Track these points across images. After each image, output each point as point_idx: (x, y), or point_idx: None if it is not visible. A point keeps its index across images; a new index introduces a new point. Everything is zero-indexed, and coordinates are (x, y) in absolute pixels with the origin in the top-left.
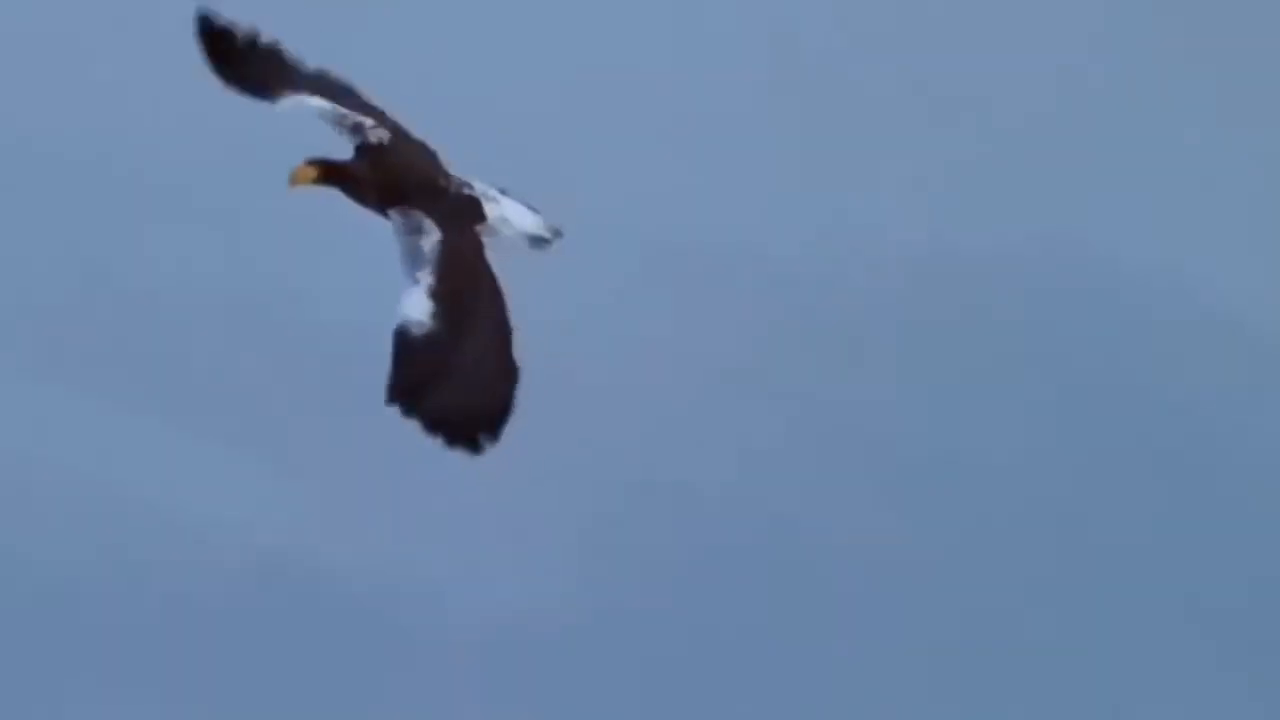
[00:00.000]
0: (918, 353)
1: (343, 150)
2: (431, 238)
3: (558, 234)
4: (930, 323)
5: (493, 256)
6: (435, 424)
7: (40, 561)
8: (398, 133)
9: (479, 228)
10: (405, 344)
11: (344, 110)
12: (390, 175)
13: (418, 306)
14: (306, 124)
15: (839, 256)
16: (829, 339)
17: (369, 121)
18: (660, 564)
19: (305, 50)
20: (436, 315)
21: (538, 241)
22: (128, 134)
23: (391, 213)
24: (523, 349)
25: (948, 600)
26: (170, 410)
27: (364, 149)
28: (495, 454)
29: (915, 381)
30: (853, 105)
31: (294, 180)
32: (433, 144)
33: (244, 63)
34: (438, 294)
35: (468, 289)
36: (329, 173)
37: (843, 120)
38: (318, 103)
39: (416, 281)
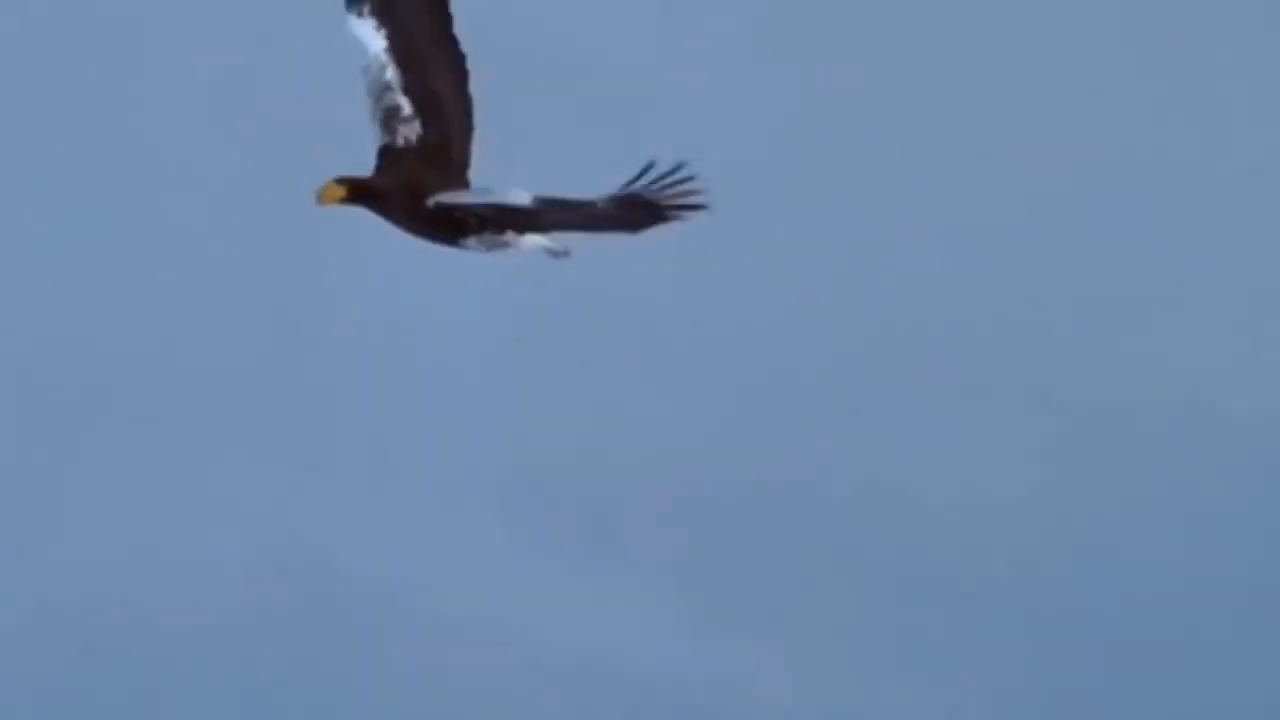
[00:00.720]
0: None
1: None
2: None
3: (566, 253)
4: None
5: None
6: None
7: None
8: (430, 122)
9: (505, 236)
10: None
11: (389, 79)
12: (414, 189)
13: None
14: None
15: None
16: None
17: (405, 108)
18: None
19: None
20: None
21: (553, 254)
22: None
23: (469, 242)
24: None
25: None
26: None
27: (386, 153)
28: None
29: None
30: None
31: (322, 198)
32: (464, 125)
33: None
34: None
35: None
36: (356, 191)
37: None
38: (374, 48)
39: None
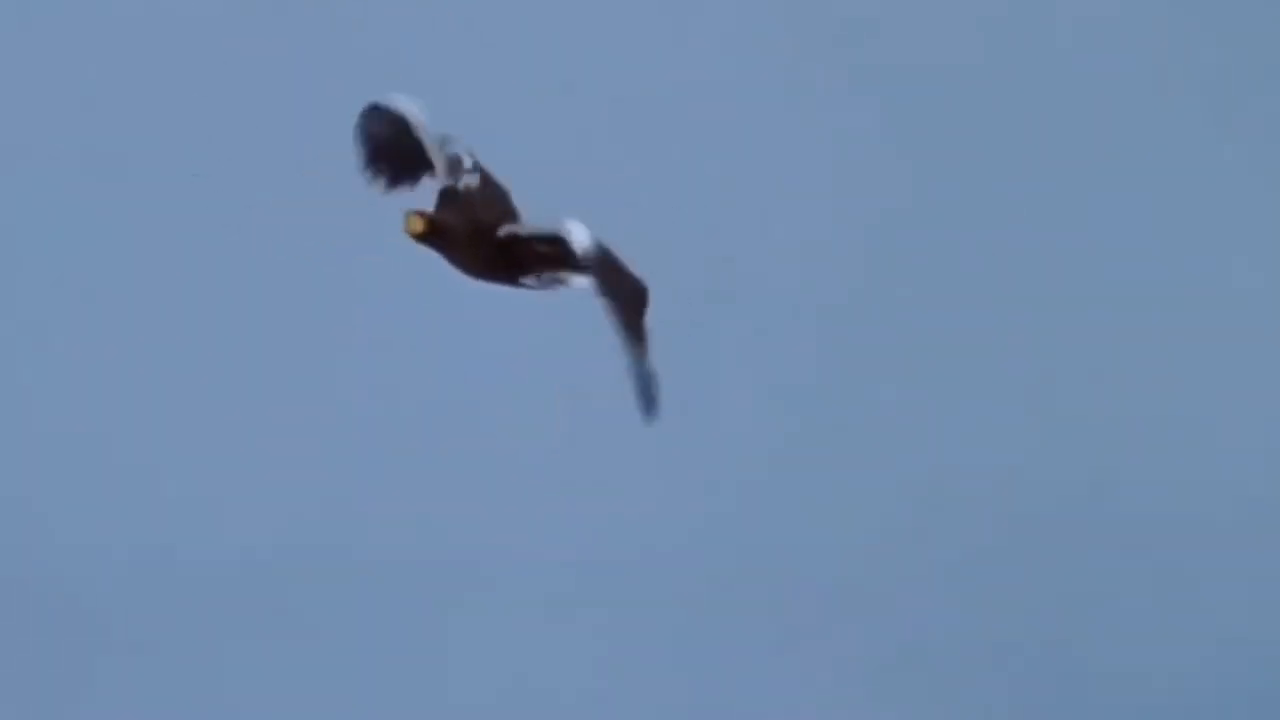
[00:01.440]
0: None
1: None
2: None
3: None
4: None
5: None
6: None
7: None
8: (485, 178)
9: (564, 274)
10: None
11: (447, 132)
12: (479, 226)
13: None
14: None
15: None
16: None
17: (466, 162)
18: None
19: None
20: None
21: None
22: None
23: (527, 280)
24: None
25: None
26: None
27: (446, 194)
28: None
29: None
30: None
31: (407, 227)
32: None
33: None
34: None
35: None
36: (433, 228)
37: None
38: (416, 111)
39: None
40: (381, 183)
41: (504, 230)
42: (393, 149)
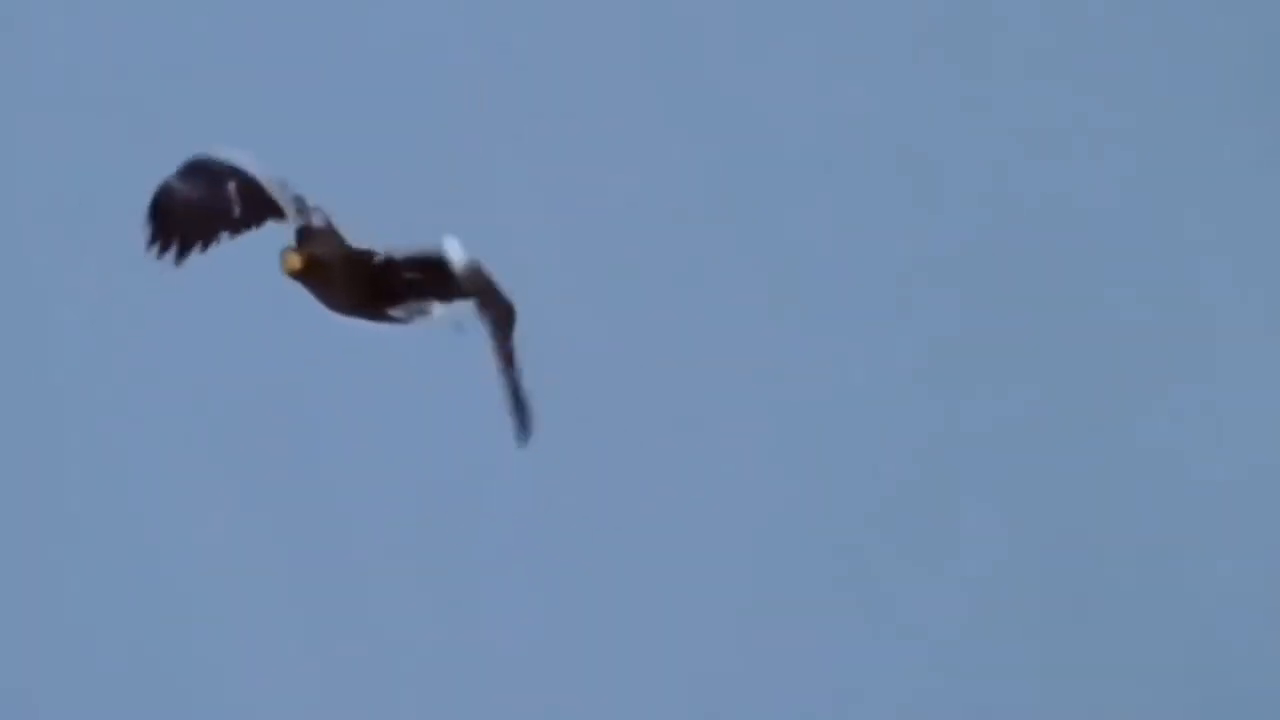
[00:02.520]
0: None
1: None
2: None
3: (465, 329)
4: None
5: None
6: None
7: None
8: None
9: (429, 303)
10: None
11: (280, 177)
12: (350, 257)
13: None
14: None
15: None
16: None
17: (309, 199)
18: None
19: None
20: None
21: (459, 328)
22: None
23: (395, 312)
24: None
25: None
26: None
27: (305, 232)
28: None
29: None
30: None
31: (286, 265)
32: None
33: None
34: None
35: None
36: (310, 263)
37: None
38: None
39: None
40: (171, 253)
41: (379, 257)
42: (195, 212)
